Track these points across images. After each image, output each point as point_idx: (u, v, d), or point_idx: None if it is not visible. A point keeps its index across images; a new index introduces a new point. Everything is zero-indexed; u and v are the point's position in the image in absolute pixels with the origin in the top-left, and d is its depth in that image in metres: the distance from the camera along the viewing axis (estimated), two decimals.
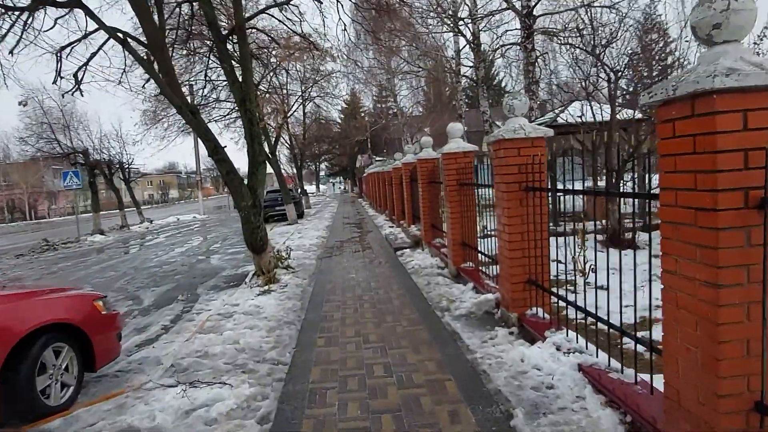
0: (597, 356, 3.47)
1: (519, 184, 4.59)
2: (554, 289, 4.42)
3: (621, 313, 3.40)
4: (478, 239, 6.85)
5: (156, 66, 6.94)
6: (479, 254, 6.71)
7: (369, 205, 27.59)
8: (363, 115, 47.63)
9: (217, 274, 9.60)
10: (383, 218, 18.19)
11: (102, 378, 4.38)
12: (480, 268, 6.90)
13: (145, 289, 8.56)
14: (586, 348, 3.64)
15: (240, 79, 7.74)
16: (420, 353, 4.33)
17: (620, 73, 8.88)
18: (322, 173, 69.05)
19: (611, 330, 3.35)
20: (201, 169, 30.77)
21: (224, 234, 18.39)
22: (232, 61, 7.77)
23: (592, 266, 4.93)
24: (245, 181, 7.58)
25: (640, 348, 3.03)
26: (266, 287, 7.27)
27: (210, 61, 10.92)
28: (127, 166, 25.52)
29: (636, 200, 3.37)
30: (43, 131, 20.49)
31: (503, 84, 39.69)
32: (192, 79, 15.14)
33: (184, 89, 15.77)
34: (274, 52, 15.51)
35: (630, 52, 10.09)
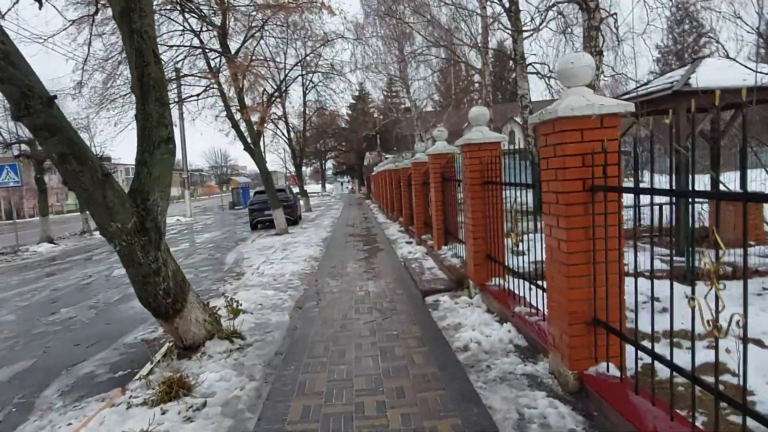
0: None
1: None
2: None
3: None
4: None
5: None
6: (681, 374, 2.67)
7: (378, 209, 23.61)
8: (372, 109, 43.68)
9: (120, 337, 5.64)
10: (396, 228, 14.21)
11: None
12: (628, 375, 2.97)
13: None
14: None
15: None
16: None
17: None
18: (328, 172, 65.21)
19: None
20: (190, 164, 26.98)
21: (196, 246, 14.50)
22: None
23: None
24: (116, 176, 3.60)
25: None
26: (160, 409, 3.32)
27: None
28: None
29: None
30: None
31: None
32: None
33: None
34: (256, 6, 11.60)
35: None
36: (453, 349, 4.29)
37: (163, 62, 3.93)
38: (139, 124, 3.73)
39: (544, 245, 3.65)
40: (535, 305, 4.47)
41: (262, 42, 14.66)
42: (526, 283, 4.75)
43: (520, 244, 4.76)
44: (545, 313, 4.20)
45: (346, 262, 9.05)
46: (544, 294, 4.16)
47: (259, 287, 7.20)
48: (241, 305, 5.38)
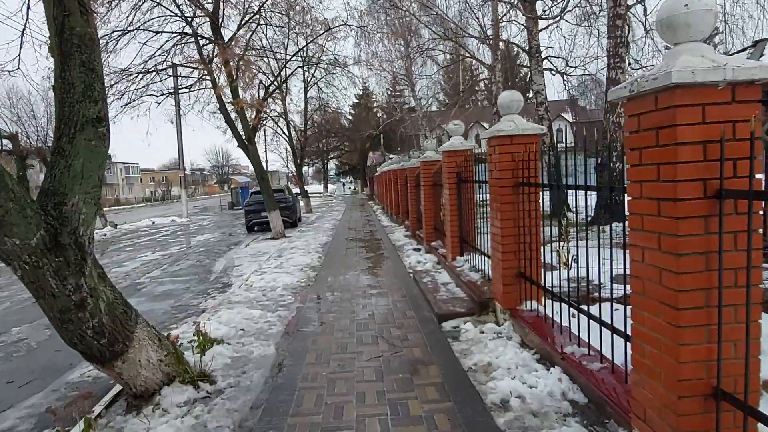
0: None
1: None
2: None
3: None
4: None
5: None
6: None
7: (381, 211, 22.56)
8: (375, 108, 42.60)
9: (66, 372, 4.57)
10: (402, 232, 13.13)
11: None
12: None
13: None
14: None
15: None
16: None
17: None
18: (331, 172, 64.25)
19: None
20: (191, 163, 26.01)
21: (186, 250, 13.46)
22: None
23: None
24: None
25: None
26: None
27: None
28: None
29: None
30: None
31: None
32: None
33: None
34: None
35: None
36: (487, 405, 3.21)
37: (95, 14, 2.87)
38: (57, 98, 2.68)
39: (626, 272, 2.58)
40: (591, 342, 3.40)
41: (260, 32, 13.65)
42: (564, 305, 3.71)
43: (573, 263, 3.70)
44: (613, 359, 3.14)
45: (347, 272, 7.97)
46: (613, 334, 3.10)
47: (245, 304, 6.14)
48: (214, 334, 4.31)
